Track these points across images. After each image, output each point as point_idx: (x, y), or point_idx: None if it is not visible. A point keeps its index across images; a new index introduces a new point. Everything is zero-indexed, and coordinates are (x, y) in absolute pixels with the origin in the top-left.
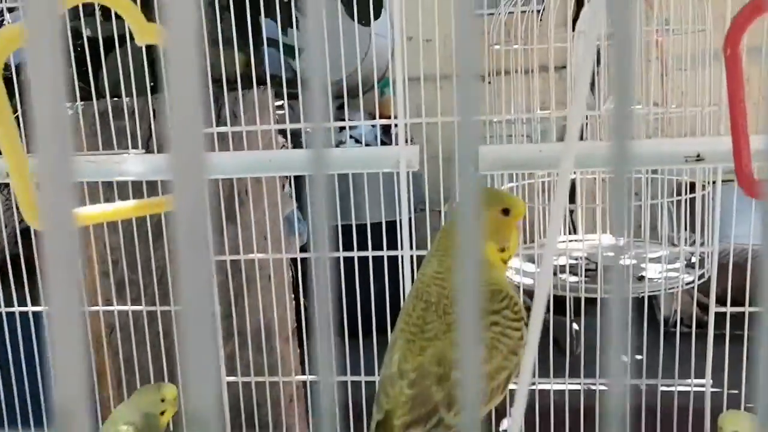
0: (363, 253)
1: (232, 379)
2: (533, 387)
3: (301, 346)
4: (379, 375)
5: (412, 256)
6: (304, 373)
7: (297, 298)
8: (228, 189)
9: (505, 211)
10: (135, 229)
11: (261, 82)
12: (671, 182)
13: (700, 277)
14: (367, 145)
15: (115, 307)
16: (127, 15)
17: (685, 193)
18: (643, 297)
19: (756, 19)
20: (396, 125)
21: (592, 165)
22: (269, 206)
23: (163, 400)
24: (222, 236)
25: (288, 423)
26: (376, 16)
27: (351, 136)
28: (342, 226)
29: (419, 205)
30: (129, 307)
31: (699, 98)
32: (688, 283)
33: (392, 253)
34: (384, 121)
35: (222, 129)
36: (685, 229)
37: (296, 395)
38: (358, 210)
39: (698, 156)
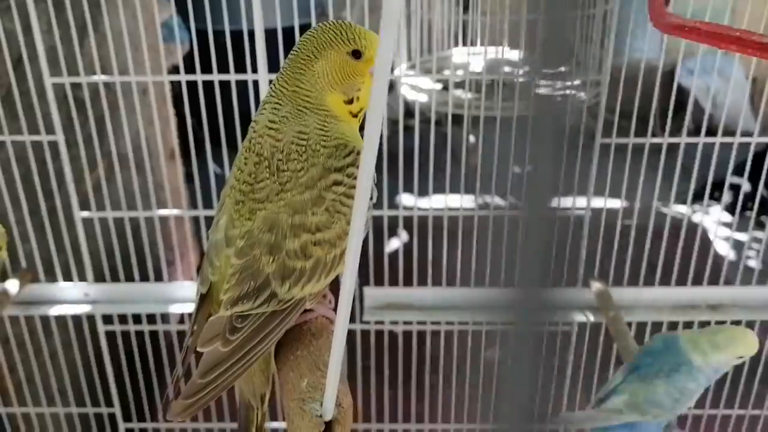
0: (223, 76)
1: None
2: (427, 208)
3: (188, 164)
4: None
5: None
6: (191, 192)
7: (180, 113)
8: None
9: (356, 54)
10: None
11: None
12: None
13: (596, 95)
14: None
15: None
16: None
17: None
18: None
19: None
20: None
21: None
22: (141, 11)
23: None
24: (83, 48)
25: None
26: None
27: None
28: (216, 31)
29: (319, 8)
30: None
31: None
32: (581, 102)
33: (241, 77)
34: None
35: None
36: (588, 41)
37: (187, 224)
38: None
39: None
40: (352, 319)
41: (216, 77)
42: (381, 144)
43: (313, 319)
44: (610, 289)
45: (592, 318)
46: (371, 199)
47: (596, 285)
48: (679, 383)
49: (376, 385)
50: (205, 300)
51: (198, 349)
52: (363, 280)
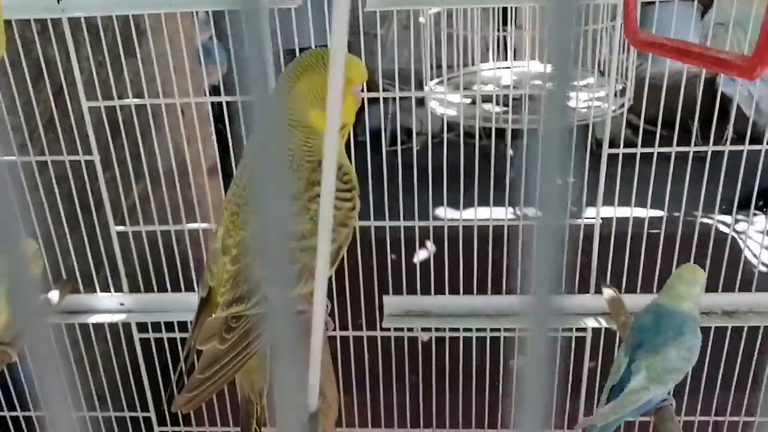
0: (245, 98)
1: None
2: (472, 218)
3: (225, 180)
4: None
5: None
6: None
7: (219, 131)
8: (123, 18)
9: None
10: None
11: None
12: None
13: (625, 103)
14: None
15: None
16: None
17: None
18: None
19: None
20: None
21: None
22: (175, 36)
23: None
24: (119, 72)
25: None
26: None
27: None
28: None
29: (352, 28)
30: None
31: None
32: (613, 111)
33: None
34: None
35: None
36: (620, 52)
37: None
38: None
39: None
40: (372, 327)
41: (239, 98)
42: (397, 158)
43: (306, 318)
44: (622, 296)
45: (605, 324)
46: (354, 208)
47: (608, 291)
48: (687, 342)
49: (397, 390)
50: (205, 304)
51: (197, 347)
52: (382, 288)
